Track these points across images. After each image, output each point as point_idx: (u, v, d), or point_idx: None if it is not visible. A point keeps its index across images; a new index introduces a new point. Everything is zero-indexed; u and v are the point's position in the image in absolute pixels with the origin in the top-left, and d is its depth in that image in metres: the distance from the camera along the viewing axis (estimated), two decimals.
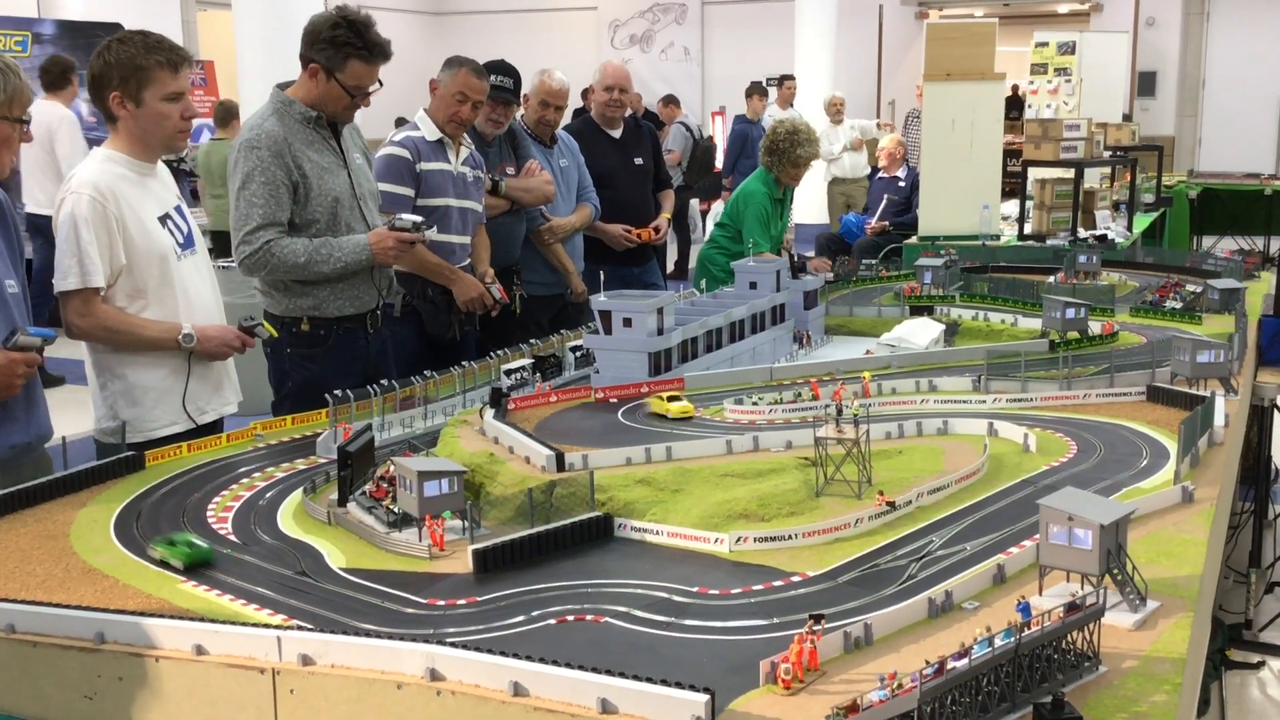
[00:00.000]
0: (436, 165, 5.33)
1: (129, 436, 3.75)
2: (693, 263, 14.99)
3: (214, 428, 4.19)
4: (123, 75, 3.88)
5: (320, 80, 4.43)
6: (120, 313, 3.95)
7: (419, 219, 4.63)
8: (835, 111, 15.23)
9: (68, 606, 2.41)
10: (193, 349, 4.01)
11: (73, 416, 4.20)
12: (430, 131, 5.35)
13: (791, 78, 15.74)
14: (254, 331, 4.17)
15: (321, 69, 4.41)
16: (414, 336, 5.41)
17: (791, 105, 15.30)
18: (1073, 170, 8.94)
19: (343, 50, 4.39)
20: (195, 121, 4.21)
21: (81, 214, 3.82)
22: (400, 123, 6.87)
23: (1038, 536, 2.35)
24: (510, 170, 6.00)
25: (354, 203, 4.56)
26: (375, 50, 4.44)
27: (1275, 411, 5.50)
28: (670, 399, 3.67)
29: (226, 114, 14.02)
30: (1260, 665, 5.29)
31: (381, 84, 4.61)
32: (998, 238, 8.68)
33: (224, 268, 7.02)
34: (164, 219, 4.05)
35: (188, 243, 4.14)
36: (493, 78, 5.70)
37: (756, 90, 15.33)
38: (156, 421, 4.01)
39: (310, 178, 4.40)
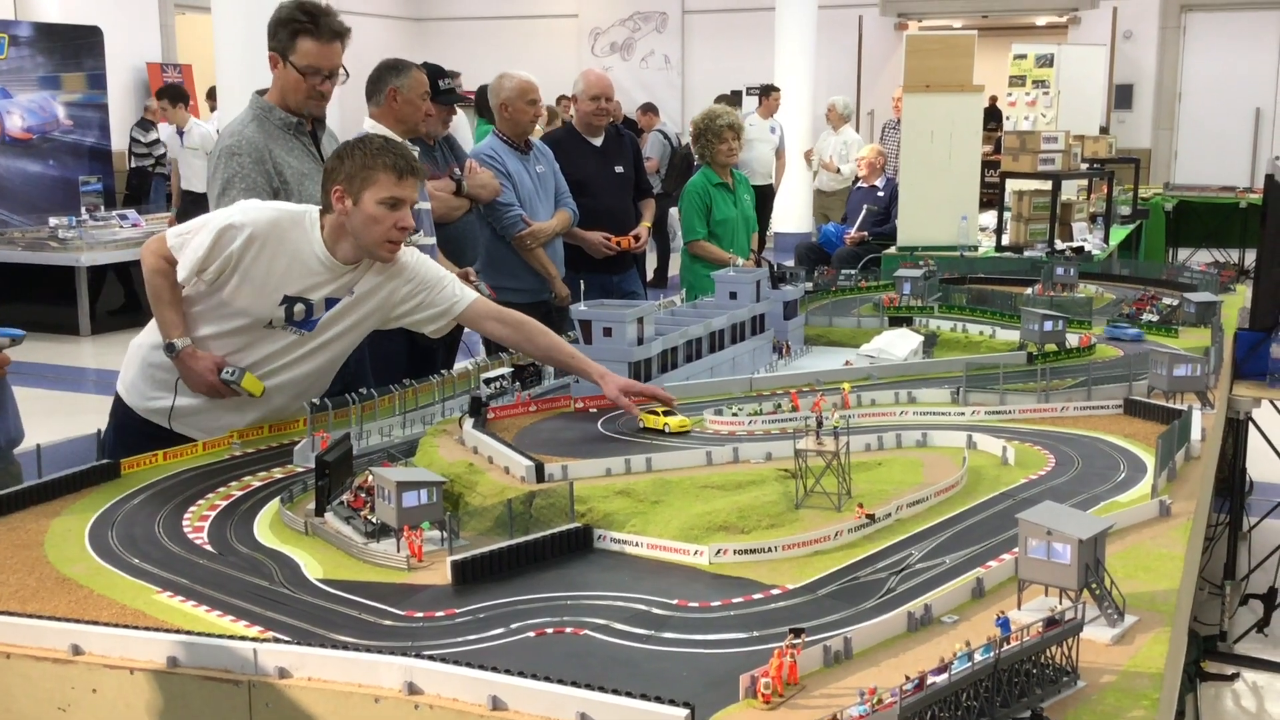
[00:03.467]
0: None
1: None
2: (672, 270, 15.02)
3: None
4: (349, 173, 3.64)
5: (280, 69, 4.44)
6: (164, 274, 3.71)
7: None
8: (839, 119, 15.14)
9: (41, 617, 2.39)
10: (171, 360, 3.77)
11: (48, 424, 4.16)
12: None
13: (777, 89, 15.71)
14: (231, 385, 3.77)
15: (280, 57, 4.43)
16: (402, 348, 5.41)
17: (773, 116, 15.27)
18: (1050, 182, 8.99)
19: (290, 28, 4.39)
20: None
21: (216, 226, 3.62)
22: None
23: (1016, 550, 2.36)
24: (458, 171, 6.04)
25: None
26: (322, 27, 4.41)
27: (1250, 424, 5.53)
28: (665, 412, 3.65)
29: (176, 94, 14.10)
30: (1235, 677, 5.31)
31: (348, 73, 4.60)
32: (975, 249, 8.72)
33: None
34: (294, 300, 3.73)
35: (304, 325, 3.79)
36: (441, 81, 5.80)
37: (724, 100, 15.27)
38: (153, 408, 3.91)
39: (291, 184, 4.39)
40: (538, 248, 6.34)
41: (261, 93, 4.55)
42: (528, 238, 6.28)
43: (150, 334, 3.92)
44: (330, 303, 3.79)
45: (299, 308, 3.74)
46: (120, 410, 3.98)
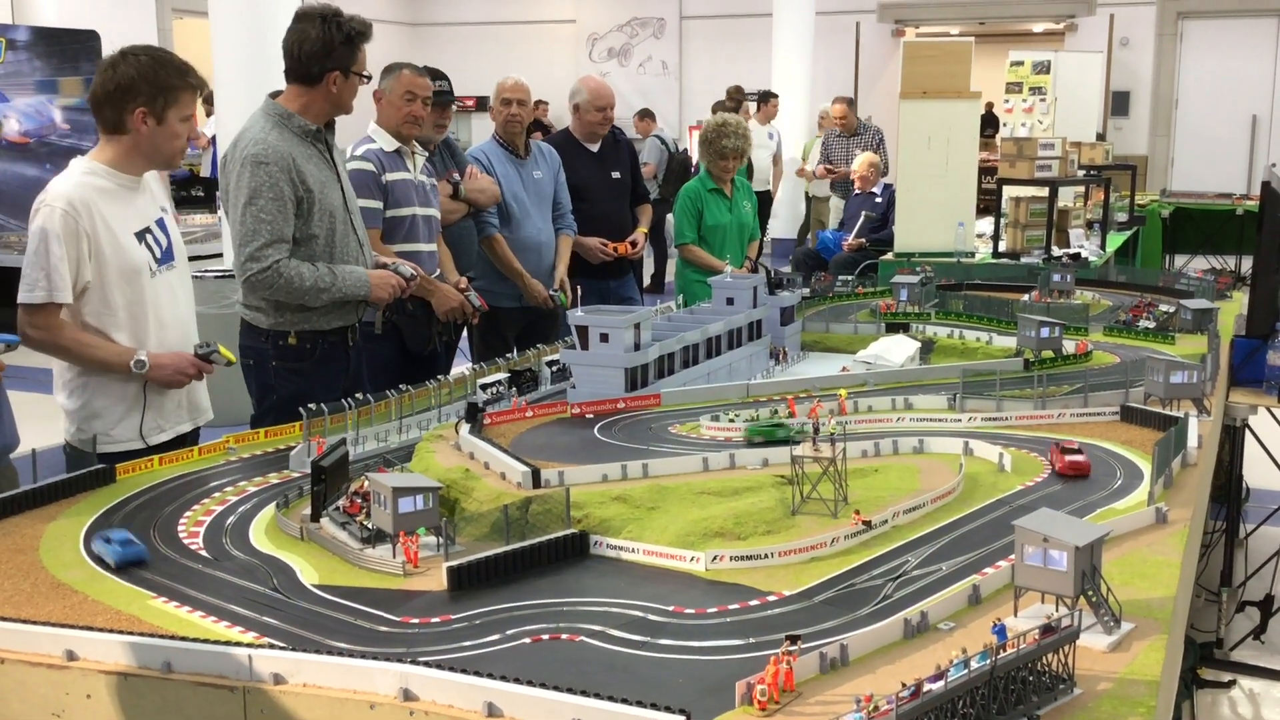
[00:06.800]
0: (400, 175, 5.36)
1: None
2: (669, 276, 15.01)
3: (190, 440, 4.16)
4: (152, 92, 3.85)
5: (340, 83, 4.44)
6: (77, 331, 3.85)
7: (412, 274, 4.68)
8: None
9: (36, 623, 2.38)
10: (145, 375, 3.89)
11: (43, 428, 4.15)
12: (387, 143, 5.37)
13: (775, 95, 15.72)
14: (210, 358, 4.03)
15: (341, 72, 4.42)
16: (394, 353, 5.39)
17: (771, 122, 15.26)
18: (1047, 189, 9.00)
19: (354, 42, 4.44)
20: None
21: (54, 228, 3.74)
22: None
23: (1013, 557, 2.36)
24: (458, 176, 6.03)
25: (346, 217, 4.55)
26: (368, 28, 4.52)
27: (1247, 431, 5.54)
28: None
29: None
30: (1231, 684, 5.31)
31: (369, 76, 4.68)
32: (972, 255, 8.72)
33: (196, 277, 6.96)
34: (143, 234, 3.97)
35: (166, 257, 4.06)
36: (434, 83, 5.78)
37: (721, 106, 15.23)
38: (113, 440, 3.92)
39: (315, 192, 4.34)
40: (504, 251, 6.28)
41: (274, 95, 4.50)
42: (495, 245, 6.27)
43: (77, 394, 3.99)
44: (162, 225, 4.09)
45: (151, 240, 4.01)
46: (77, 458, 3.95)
